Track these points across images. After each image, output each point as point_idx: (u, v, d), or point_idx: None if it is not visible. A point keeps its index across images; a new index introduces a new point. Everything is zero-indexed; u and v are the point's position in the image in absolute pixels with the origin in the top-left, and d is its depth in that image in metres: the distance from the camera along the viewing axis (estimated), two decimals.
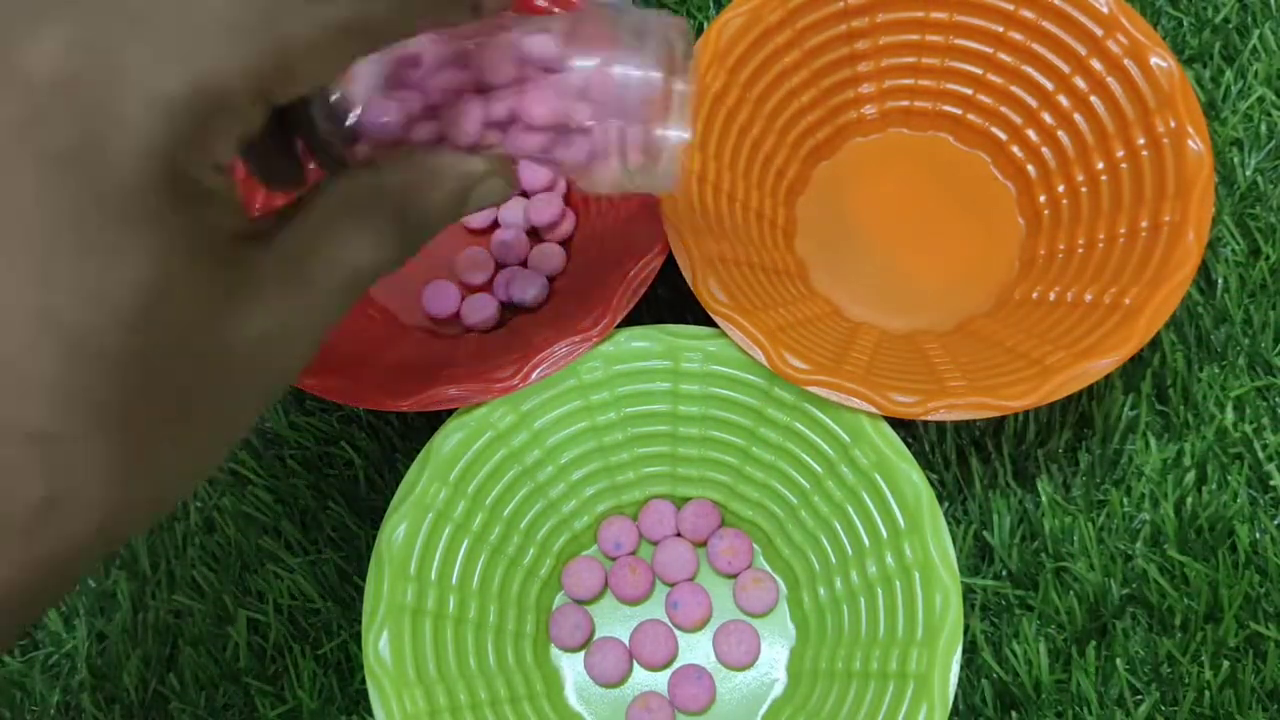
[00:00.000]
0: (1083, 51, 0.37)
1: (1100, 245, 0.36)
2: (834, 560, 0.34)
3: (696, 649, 0.35)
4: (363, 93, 0.25)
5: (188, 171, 0.18)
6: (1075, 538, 0.36)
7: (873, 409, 0.33)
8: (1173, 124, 0.35)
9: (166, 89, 0.17)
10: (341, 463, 0.39)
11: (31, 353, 0.17)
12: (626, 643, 0.35)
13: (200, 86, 0.18)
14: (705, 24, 0.44)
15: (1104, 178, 0.37)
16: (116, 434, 0.18)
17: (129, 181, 0.17)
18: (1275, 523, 0.35)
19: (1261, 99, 0.41)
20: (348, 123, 0.25)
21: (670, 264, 0.35)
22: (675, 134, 0.24)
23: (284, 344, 0.21)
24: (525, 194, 0.41)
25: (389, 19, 0.20)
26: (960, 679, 0.34)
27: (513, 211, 0.41)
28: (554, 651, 0.35)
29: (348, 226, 0.22)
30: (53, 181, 0.17)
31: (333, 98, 0.25)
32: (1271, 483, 0.36)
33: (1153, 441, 0.37)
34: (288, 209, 0.22)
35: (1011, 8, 0.37)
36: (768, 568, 0.36)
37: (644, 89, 0.24)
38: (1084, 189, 0.37)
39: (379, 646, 0.32)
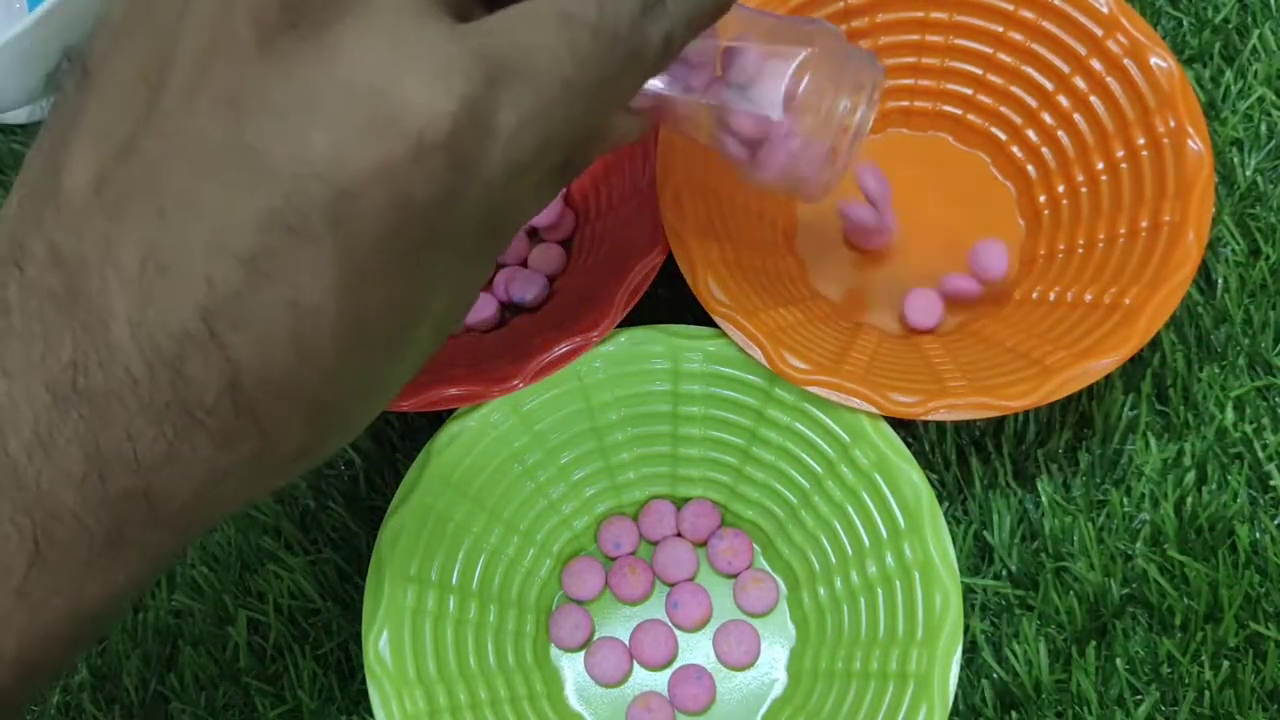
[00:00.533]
0: (1083, 51, 0.37)
1: (1100, 245, 0.36)
2: (834, 560, 0.34)
3: (696, 649, 0.35)
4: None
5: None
6: (1075, 538, 0.36)
7: (873, 409, 0.33)
8: (1173, 124, 0.35)
9: (528, 147, 0.20)
10: (341, 463, 0.39)
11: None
12: (626, 643, 0.35)
13: (558, 138, 0.20)
14: None
15: (1104, 178, 0.37)
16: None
17: (459, 230, 0.20)
18: (1275, 523, 0.35)
19: (1261, 99, 0.41)
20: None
21: (670, 264, 0.35)
22: (856, 143, 0.28)
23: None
24: None
25: (657, 40, 0.22)
26: (960, 679, 0.34)
27: None
28: (554, 651, 0.35)
29: None
30: (387, 234, 0.19)
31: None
32: (1271, 483, 0.36)
33: (1153, 441, 0.37)
34: None
35: (1011, 8, 0.37)
36: (768, 568, 0.36)
37: (860, 69, 0.28)
38: (1084, 189, 0.37)
39: (379, 646, 0.32)
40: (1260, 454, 0.36)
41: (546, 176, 0.24)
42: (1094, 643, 0.34)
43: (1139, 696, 0.34)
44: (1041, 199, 0.39)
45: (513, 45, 0.19)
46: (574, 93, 0.20)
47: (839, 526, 0.34)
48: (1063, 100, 0.38)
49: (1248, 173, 0.40)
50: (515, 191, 0.21)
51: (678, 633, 0.35)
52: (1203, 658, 0.34)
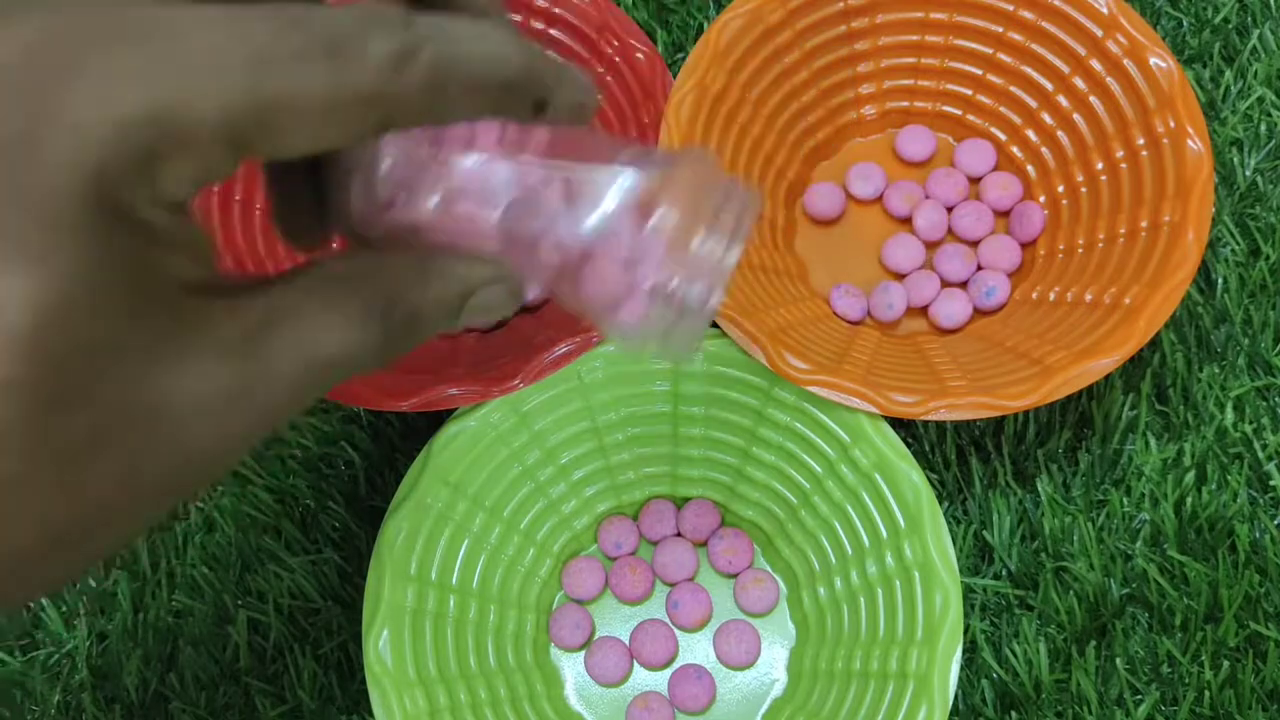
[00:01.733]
0: (1082, 52, 0.37)
1: (1100, 245, 0.36)
2: (834, 560, 0.34)
3: (696, 649, 0.35)
4: (402, 175, 0.22)
5: (126, 198, 0.17)
6: (1075, 538, 0.36)
7: (873, 409, 0.33)
8: (1172, 124, 0.35)
9: (119, 104, 0.16)
10: (342, 463, 0.39)
11: None
12: (626, 642, 0.35)
13: (156, 113, 0.16)
14: (705, 24, 0.44)
15: (1104, 178, 0.37)
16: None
17: (56, 187, 0.16)
18: (1275, 523, 0.35)
19: (1261, 99, 0.41)
20: (381, 203, 0.22)
21: None
22: (716, 299, 0.22)
23: (219, 419, 0.19)
24: None
25: (413, 102, 0.18)
26: (960, 679, 0.34)
27: None
28: (554, 651, 0.35)
29: (319, 307, 0.20)
30: None
31: (381, 170, 0.23)
32: (1271, 483, 0.36)
33: (1153, 441, 0.37)
34: (267, 276, 0.20)
35: (1011, 8, 0.37)
36: (768, 568, 0.36)
37: (713, 254, 0.22)
38: (1084, 189, 0.37)
39: (379, 646, 0.32)
40: (1260, 454, 0.36)
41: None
42: (1094, 643, 0.34)
43: (1139, 696, 0.34)
44: (1041, 199, 0.39)
45: None
46: None
47: (839, 526, 0.34)
48: (1063, 100, 0.38)
49: (1248, 173, 0.40)
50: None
51: (678, 632, 0.35)
52: (1203, 658, 0.34)
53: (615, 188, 0.22)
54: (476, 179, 0.22)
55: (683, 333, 0.22)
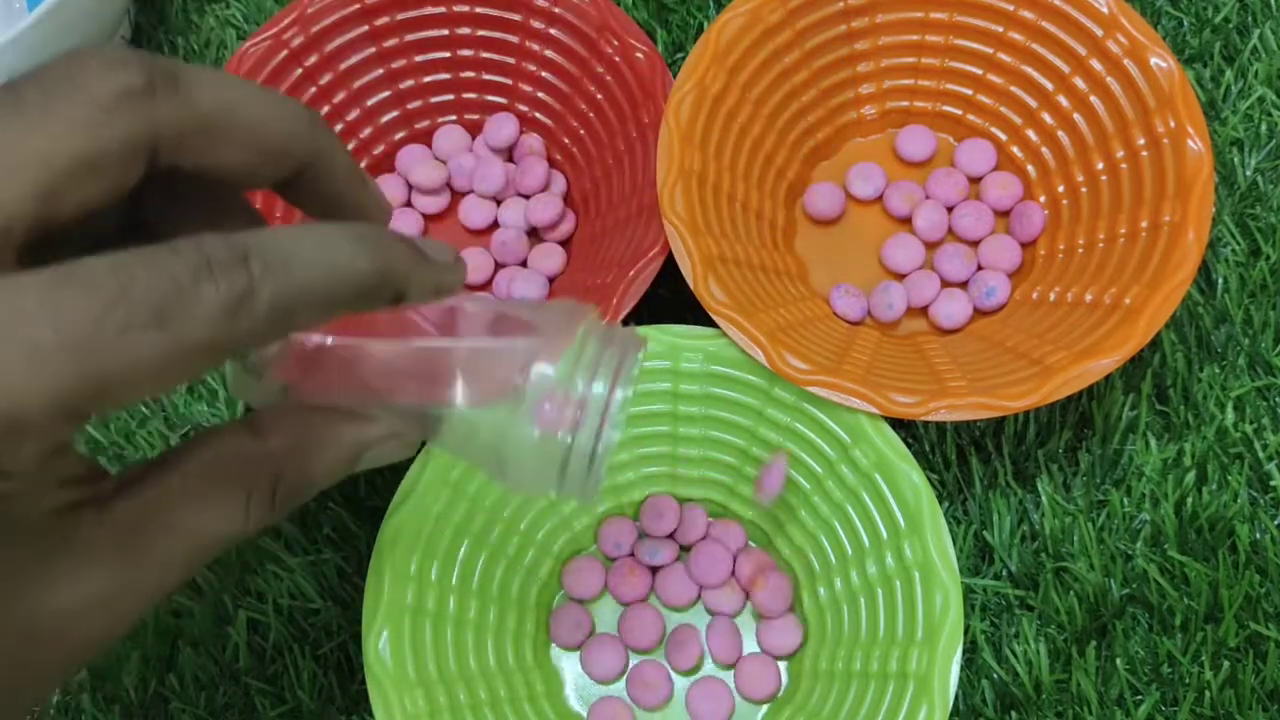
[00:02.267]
0: (1083, 52, 0.37)
1: (1100, 245, 0.36)
2: (834, 560, 0.34)
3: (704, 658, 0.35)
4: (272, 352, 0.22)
5: None
6: (1075, 538, 0.36)
7: (873, 409, 0.33)
8: (1173, 124, 0.35)
9: None
10: None
11: None
12: (617, 634, 0.35)
13: None
14: (705, 24, 0.44)
15: (1104, 178, 0.37)
16: None
17: None
18: (1275, 523, 0.35)
19: (1261, 99, 0.41)
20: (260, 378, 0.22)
21: (670, 264, 0.35)
22: (612, 438, 0.22)
23: (98, 618, 0.19)
24: (524, 195, 0.41)
25: (259, 336, 0.17)
26: (960, 679, 0.34)
27: (513, 212, 0.41)
28: (554, 651, 0.35)
29: (207, 492, 0.20)
30: None
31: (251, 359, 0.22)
32: (1271, 483, 0.36)
33: (1153, 441, 0.37)
34: (148, 465, 0.20)
35: (1011, 8, 0.37)
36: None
37: (598, 400, 0.22)
38: (1084, 189, 0.37)
39: (379, 646, 0.32)
40: (1260, 454, 0.36)
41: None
42: (1094, 643, 0.34)
43: (1139, 696, 0.34)
44: (1041, 199, 0.39)
45: None
46: None
47: (839, 527, 0.34)
48: (1063, 100, 0.38)
49: (1248, 173, 0.40)
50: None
51: (665, 611, 0.35)
52: (1203, 658, 0.34)
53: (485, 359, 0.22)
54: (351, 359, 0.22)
55: (577, 477, 0.22)
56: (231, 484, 0.20)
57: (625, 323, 0.35)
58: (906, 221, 0.40)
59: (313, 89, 0.41)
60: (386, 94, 0.42)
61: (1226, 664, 0.33)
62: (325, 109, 0.41)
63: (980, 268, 0.38)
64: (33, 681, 0.19)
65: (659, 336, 0.35)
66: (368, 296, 0.19)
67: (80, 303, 0.15)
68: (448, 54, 0.42)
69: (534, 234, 0.41)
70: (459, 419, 0.22)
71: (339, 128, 0.42)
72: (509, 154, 0.42)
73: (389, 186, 0.42)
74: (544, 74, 0.41)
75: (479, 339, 0.22)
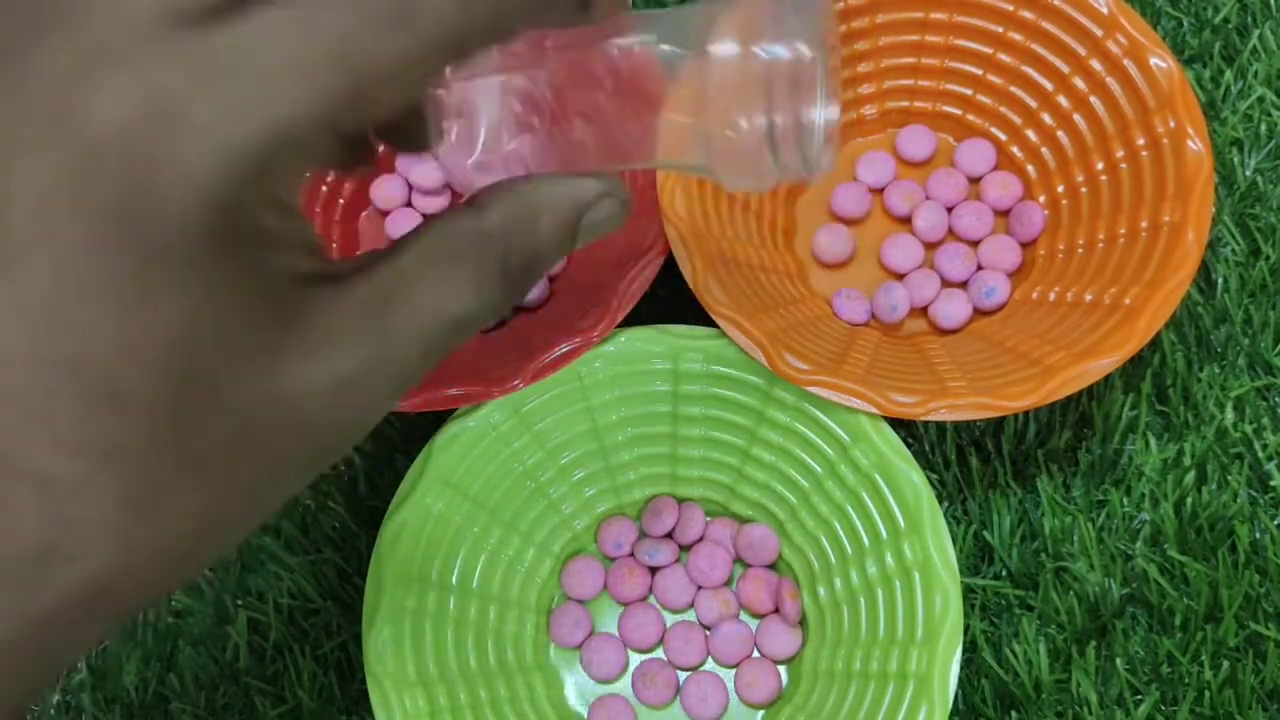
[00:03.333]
0: (1082, 52, 0.37)
1: (1100, 245, 0.36)
2: (834, 560, 0.34)
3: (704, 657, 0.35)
4: (480, 128, 0.23)
5: (248, 217, 0.17)
6: (1075, 538, 0.36)
7: (873, 409, 0.33)
8: (1172, 124, 0.35)
9: (229, 139, 0.16)
10: (341, 463, 0.39)
11: (42, 394, 0.16)
12: (617, 634, 0.35)
13: (263, 133, 0.17)
14: None
15: (1104, 178, 0.37)
16: (132, 485, 0.17)
17: (179, 235, 0.16)
18: (1275, 523, 0.35)
19: (1261, 99, 0.41)
20: (470, 161, 0.23)
21: (670, 264, 0.35)
22: (830, 113, 0.22)
23: (350, 401, 0.19)
24: None
25: (481, 28, 0.18)
26: (960, 679, 0.34)
27: None
28: (554, 651, 0.35)
29: (437, 274, 0.20)
30: (96, 233, 0.16)
31: (451, 135, 0.23)
32: (1271, 483, 0.36)
33: (1153, 441, 0.37)
34: (376, 252, 0.21)
35: (1011, 8, 0.37)
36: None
37: (793, 69, 0.21)
38: (1084, 189, 0.37)
39: (379, 646, 0.32)
40: (1260, 454, 0.36)
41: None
42: (1094, 643, 0.34)
43: (1139, 696, 0.34)
44: (1041, 199, 0.39)
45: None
46: None
47: (839, 527, 0.34)
48: (1063, 100, 0.38)
49: (1248, 173, 0.40)
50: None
51: (665, 614, 0.35)
52: (1203, 658, 0.34)
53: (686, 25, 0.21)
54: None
55: (805, 154, 0.22)
56: (459, 262, 0.21)
57: (624, 323, 0.35)
58: (906, 221, 0.40)
59: None
60: None
61: (1226, 664, 0.33)
62: None
63: (980, 268, 0.38)
64: (285, 469, 0.19)
65: (659, 337, 0.35)
66: None
67: (335, 14, 0.17)
68: None
69: None
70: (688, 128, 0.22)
71: None
72: None
73: (389, 187, 0.42)
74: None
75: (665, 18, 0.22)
